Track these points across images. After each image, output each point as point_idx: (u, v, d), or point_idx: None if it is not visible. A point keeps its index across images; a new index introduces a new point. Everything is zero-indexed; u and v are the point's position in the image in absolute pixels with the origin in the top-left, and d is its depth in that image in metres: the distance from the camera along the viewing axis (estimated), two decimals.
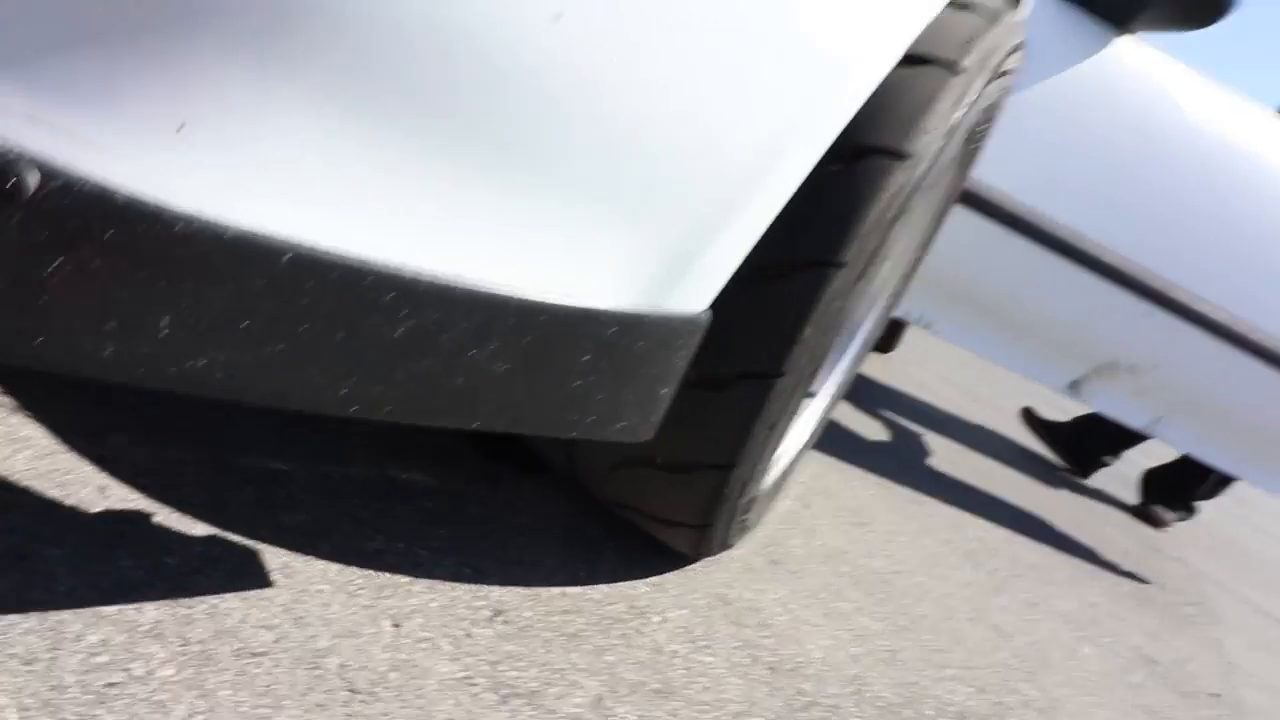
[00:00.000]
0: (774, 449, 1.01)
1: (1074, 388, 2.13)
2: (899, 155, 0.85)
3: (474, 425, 0.66)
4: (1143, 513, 3.26)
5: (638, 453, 1.04)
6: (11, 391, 0.98)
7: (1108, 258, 1.96)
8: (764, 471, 1.05)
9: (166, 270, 0.48)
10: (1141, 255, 1.96)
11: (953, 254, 1.89)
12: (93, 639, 0.73)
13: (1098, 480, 3.48)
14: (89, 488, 0.90)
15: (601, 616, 1.08)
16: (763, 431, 0.93)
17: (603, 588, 1.13)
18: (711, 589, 1.26)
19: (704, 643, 1.13)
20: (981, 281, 2.01)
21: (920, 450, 2.64)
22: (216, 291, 0.50)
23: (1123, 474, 3.63)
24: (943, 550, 1.89)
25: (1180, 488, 3.25)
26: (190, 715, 0.70)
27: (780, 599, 1.33)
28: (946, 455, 2.69)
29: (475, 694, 0.87)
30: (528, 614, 1.02)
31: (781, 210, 0.81)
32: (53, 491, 0.87)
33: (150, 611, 0.78)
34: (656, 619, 1.13)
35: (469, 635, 0.94)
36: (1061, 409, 3.47)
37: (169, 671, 0.73)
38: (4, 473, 0.87)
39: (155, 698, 0.70)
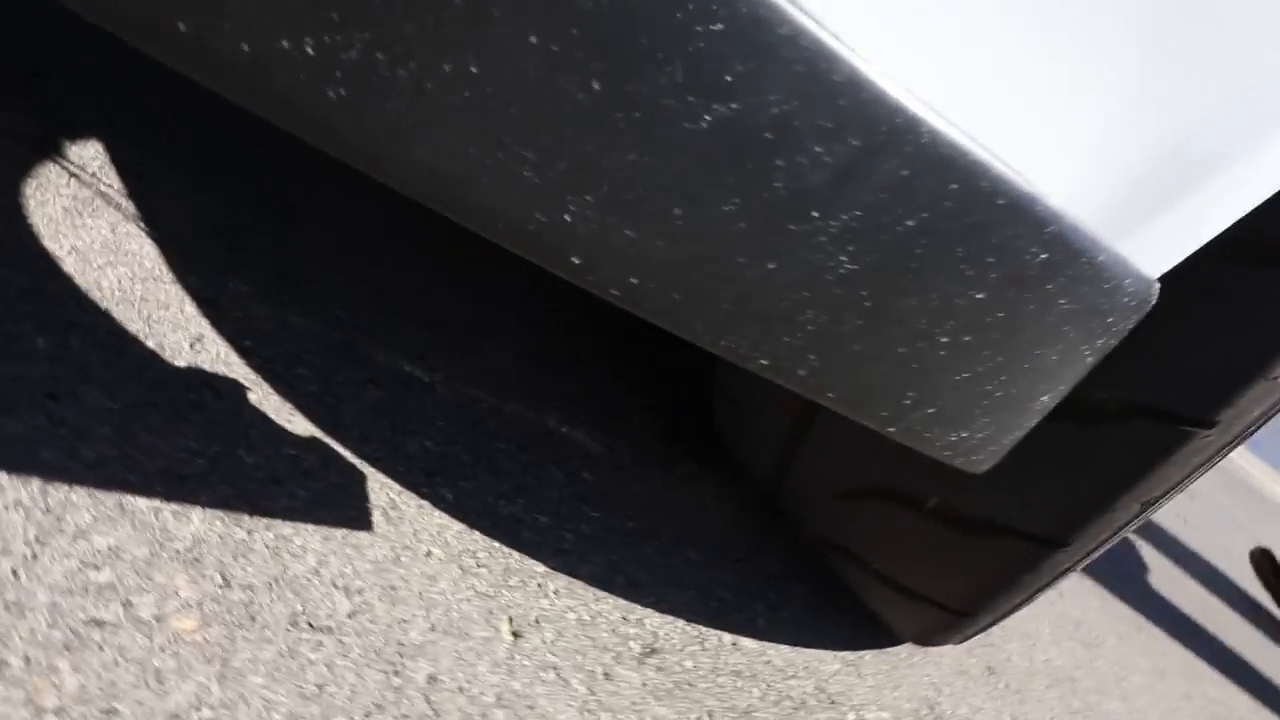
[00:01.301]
0: (1126, 532, 0.66)
1: None
2: None
3: (757, 359, 0.37)
4: None
5: (897, 484, 0.72)
6: (136, 195, 0.78)
7: None
8: (1091, 559, 0.70)
9: None
10: None
11: None
12: (99, 543, 0.49)
13: None
14: (181, 333, 0.67)
15: (782, 694, 0.77)
16: (1132, 504, 0.58)
17: (785, 650, 0.82)
18: (918, 688, 0.92)
19: None
20: None
21: (1138, 562, 2.17)
22: None
23: None
24: (1183, 706, 1.45)
25: None
26: (195, 706, 0.45)
27: None
28: (1165, 575, 2.20)
29: None
30: (689, 663, 0.72)
31: None
32: (134, 325, 0.65)
33: (194, 523, 0.53)
34: (850, 715, 0.80)
35: (609, 675, 0.65)
36: None
37: (187, 624, 0.48)
38: (85, 285, 0.65)
39: (152, 661, 0.45)
